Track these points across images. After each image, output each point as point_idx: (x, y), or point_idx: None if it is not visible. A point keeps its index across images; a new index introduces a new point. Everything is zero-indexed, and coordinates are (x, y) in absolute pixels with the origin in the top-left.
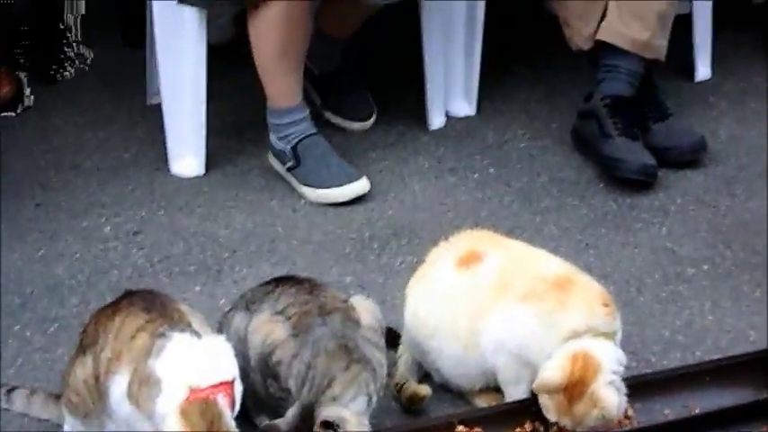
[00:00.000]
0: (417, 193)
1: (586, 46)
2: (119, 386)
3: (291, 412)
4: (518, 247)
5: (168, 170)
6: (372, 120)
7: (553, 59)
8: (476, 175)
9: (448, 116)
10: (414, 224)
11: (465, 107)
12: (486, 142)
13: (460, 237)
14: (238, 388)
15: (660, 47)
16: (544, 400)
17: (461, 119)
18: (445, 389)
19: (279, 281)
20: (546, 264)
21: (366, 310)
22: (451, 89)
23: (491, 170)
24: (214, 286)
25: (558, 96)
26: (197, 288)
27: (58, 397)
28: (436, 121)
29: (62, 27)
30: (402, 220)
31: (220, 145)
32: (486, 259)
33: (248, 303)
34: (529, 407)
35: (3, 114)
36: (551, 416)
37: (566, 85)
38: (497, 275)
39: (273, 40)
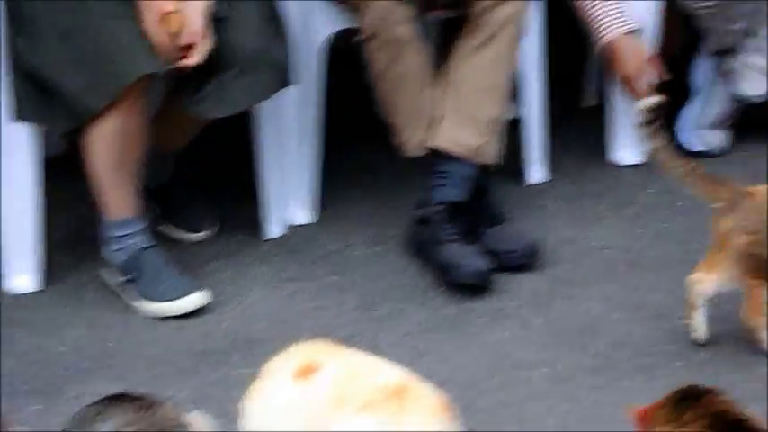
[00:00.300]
0: (256, 303)
1: (419, 153)
2: None
3: None
4: (355, 357)
5: (2, 287)
6: (210, 231)
7: (392, 165)
8: (315, 284)
9: (288, 224)
10: (252, 335)
11: (304, 215)
12: (326, 250)
13: (297, 348)
14: None
15: (492, 152)
16: None
17: (301, 227)
18: None
19: (111, 399)
20: (384, 373)
21: (203, 426)
22: (290, 197)
23: (330, 278)
24: (51, 405)
25: (395, 202)
26: (33, 408)
27: None
28: (275, 229)
29: None
30: (241, 331)
31: (57, 259)
32: (324, 370)
33: (79, 424)
34: None
35: None
36: None
37: (403, 191)
38: (335, 387)
39: (108, 154)
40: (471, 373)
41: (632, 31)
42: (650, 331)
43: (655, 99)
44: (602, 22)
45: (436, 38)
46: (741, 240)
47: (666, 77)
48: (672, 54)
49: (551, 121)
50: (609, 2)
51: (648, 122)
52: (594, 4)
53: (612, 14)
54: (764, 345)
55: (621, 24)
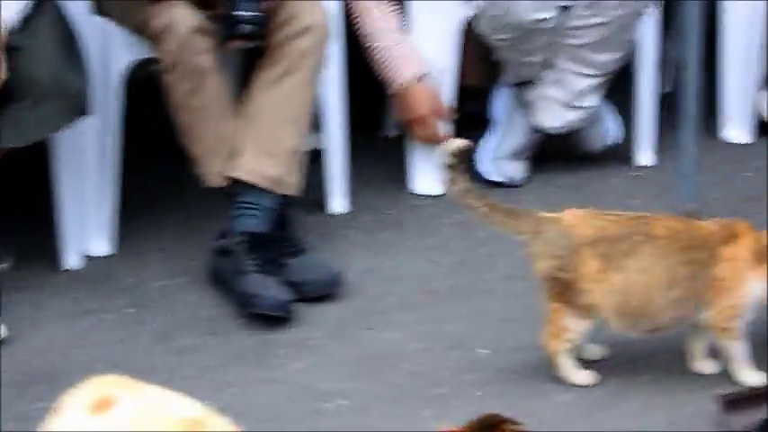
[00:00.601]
0: (53, 336)
1: (219, 183)
2: None
3: None
4: (152, 391)
5: None
6: (6, 263)
7: (193, 196)
8: (113, 316)
9: (86, 255)
10: (49, 369)
11: (103, 246)
12: (125, 282)
13: (93, 382)
14: None
15: (293, 182)
16: None
17: (99, 258)
18: None
19: None
20: (180, 406)
21: None
22: (88, 228)
23: (128, 310)
24: None
25: (196, 233)
26: None
27: None
28: (73, 261)
29: None
30: (37, 365)
31: None
32: (119, 404)
33: None
34: None
35: None
36: None
37: (204, 222)
38: (130, 421)
39: None
40: (272, 404)
41: (423, 75)
42: (449, 361)
43: (459, 143)
44: (393, 67)
45: (237, 68)
46: (544, 265)
47: (455, 119)
48: (472, 85)
49: (352, 152)
50: (401, 45)
51: (451, 166)
52: (386, 46)
53: (402, 59)
54: (565, 371)
55: (411, 70)
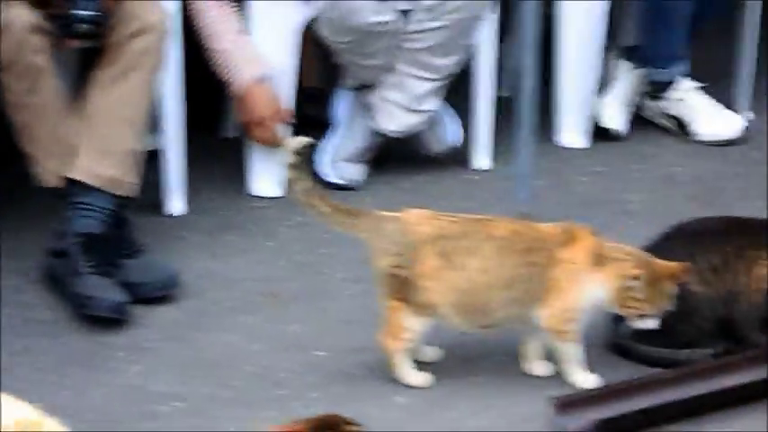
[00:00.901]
0: None
1: (56, 183)
2: None
3: None
4: None
5: None
6: None
7: (29, 195)
8: None
9: None
10: None
11: None
12: None
13: None
14: None
15: (130, 183)
16: None
17: None
18: None
19: None
20: (12, 409)
21: None
22: None
23: None
24: None
25: (33, 233)
26: None
27: None
28: None
29: None
30: None
31: None
32: None
33: None
34: None
35: None
36: None
37: (41, 222)
38: None
39: None
40: (106, 407)
41: (263, 77)
42: (288, 363)
43: (301, 140)
44: (233, 68)
45: (75, 68)
46: (383, 262)
47: (295, 121)
48: (312, 87)
49: (191, 153)
50: (240, 46)
51: (293, 165)
52: (225, 48)
53: (242, 60)
54: (401, 372)
55: (251, 71)
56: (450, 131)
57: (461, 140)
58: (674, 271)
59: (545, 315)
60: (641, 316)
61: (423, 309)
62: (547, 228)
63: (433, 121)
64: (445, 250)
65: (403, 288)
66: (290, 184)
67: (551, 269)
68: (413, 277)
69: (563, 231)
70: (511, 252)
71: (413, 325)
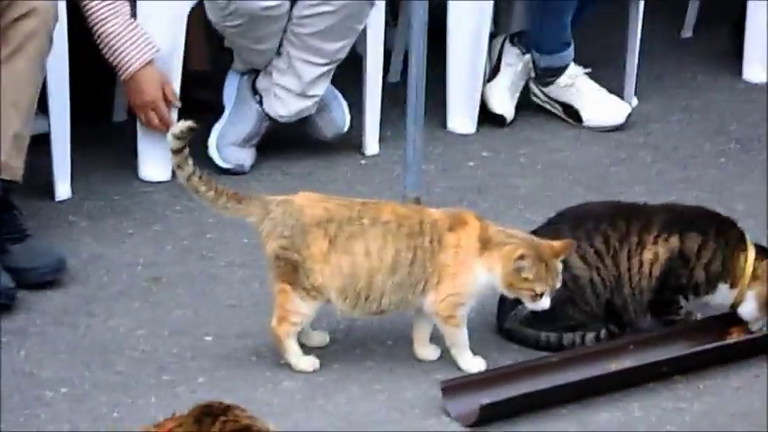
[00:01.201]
0: None
1: None
2: None
3: None
4: None
5: None
6: None
7: None
8: None
9: None
10: None
11: None
12: None
13: None
14: None
15: (17, 167)
16: None
17: None
18: None
19: None
20: None
21: None
22: None
23: None
24: None
25: None
26: None
27: None
28: None
29: None
30: None
31: None
32: None
33: None
34: None
35: None
36: None
37: None
38: None
39: None
40: None
41: (152, 61)
42: (174, 348)
43: (182, 125)
44: (121, 54)
45: None
46: (272, 245)
47: (185, 105)
48: (202, 71)
49: (79, 137)
50: (128, 30)
51: (178, 150)
52: (114, 31)
53: (130, 44)
54: (289, 356)
55: (139, 54)
56: (339, 116)
57: (348, 124)
58: (557, 248)
59: (432, 300)
60: (533, 297)
61: (311, 292)
62: (434, 212)
63: (322, 106)
64: (333, 234)
65: (291, 271)
66: (175, 169)
67: (438, 254)
68: (301, 260)
69: (450, 216)
70: (396, 236)
71: (301, 308)
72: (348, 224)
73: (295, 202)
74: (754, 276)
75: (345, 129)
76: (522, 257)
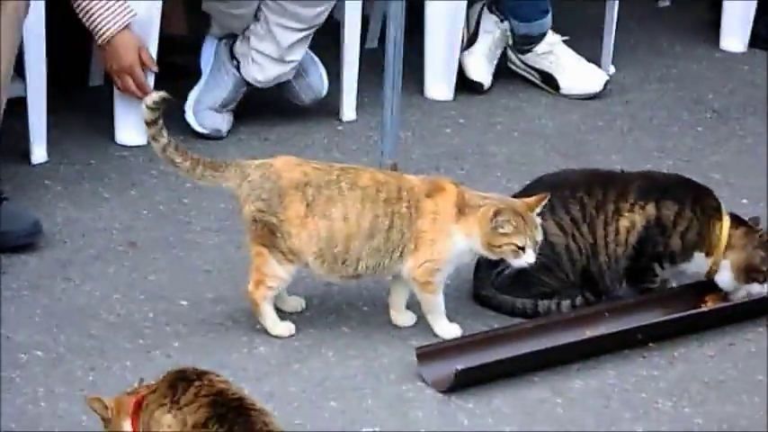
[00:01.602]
0: None
1: None
2: None
3: None
4: None
5: None
6: None
7: None
8: None
9: None
10: None
11: None
12: None
13: None
14: None
15: None
16: None
17: None
18: None
19: None
20: None
21: None
22: None
23: None
24: None
25: None
26: None
27: None
28: None
29: None
30: None
31: None
32: None
33: None
34: None
35: None
36: None
37: None
38: None
39: None
40: None
41: (128, 25)
42: (149, 312)
43: (155, 96)
44: (97, 19)
45: None
46: (250, 208)
47: (162, 70)
48: (179, 35)
49: (56, 102)
50: None
51: (152, 121)
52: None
53: (107, 9)
54: (265, 321)
55: (116, 19)
56: (316, 82)
57: (326, 89)
58: (531, 202)
59: (409, 266)
60: (515, 252)
61: (288, 256)
62: (412, 179)
63: (300, 71)
64: (311, 197)
65: (269, 234)
66: (150, 141)
67: (415, 220)
68: (278, 223)
69: (427, 183)
70: (374, 202)
71: (278, 272)
72: (326, 188)
73: (273, 166)
74: (729, 245)
75: (323, 94)
76: (497, 213)
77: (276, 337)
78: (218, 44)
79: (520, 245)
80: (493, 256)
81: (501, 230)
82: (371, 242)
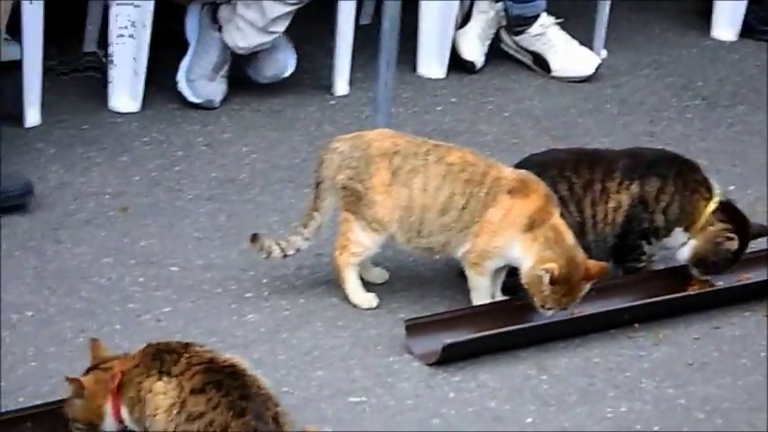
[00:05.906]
0: None
1: None
2: None
3: None
4: None
5: None
6: None
7: None
8: None
9: None
10: None
11: None
12: None
13: None
14: None
15: None
16: None
17: None
18: None
19: None
20: None
21: None
22: None
23: None
24: None
25: None
26: None
27: None
28: None
29: None
30: None
31: None
32: None
33: None
34: None
35: None
36: None
37: None
38: None
39: None
40: None
41: None
42: (139, 277)
43: None
44: None
45: None
46: (341, 176)
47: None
48: (177, 2)
49: (51, 66)
50: None
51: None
52: None
53: None
54: (348, 287)
55: None
56: (285, 58)
57: (291, 70)
58: (591, 272)
59: (465, 249)
60: (541, 306)
61: (372, 224)
62: (504, 170)
63: (272, 45)
64: (396, 166)
65: (355, 201)
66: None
67: (488, 208)
68: (364, 191)
69: (518, 180)
70: (455, 180)
71: (362, 239)
72: (413, 158)
73: (366, 137)
74: (703, 227)
75: (287, 74)
76: (553, 282)
77: (356, 306)
78: (202, 11)
79: (546, 307)
80: (524, 285)
81: (544, 291)
82: (443, 218)
